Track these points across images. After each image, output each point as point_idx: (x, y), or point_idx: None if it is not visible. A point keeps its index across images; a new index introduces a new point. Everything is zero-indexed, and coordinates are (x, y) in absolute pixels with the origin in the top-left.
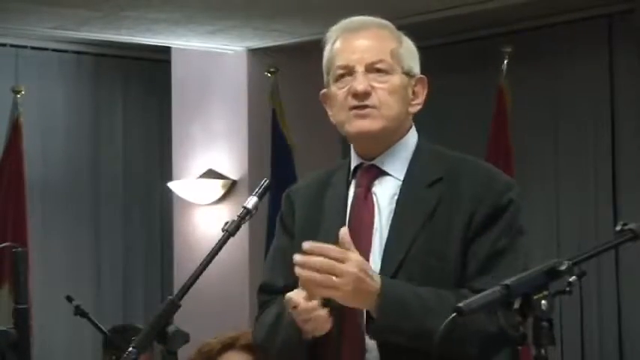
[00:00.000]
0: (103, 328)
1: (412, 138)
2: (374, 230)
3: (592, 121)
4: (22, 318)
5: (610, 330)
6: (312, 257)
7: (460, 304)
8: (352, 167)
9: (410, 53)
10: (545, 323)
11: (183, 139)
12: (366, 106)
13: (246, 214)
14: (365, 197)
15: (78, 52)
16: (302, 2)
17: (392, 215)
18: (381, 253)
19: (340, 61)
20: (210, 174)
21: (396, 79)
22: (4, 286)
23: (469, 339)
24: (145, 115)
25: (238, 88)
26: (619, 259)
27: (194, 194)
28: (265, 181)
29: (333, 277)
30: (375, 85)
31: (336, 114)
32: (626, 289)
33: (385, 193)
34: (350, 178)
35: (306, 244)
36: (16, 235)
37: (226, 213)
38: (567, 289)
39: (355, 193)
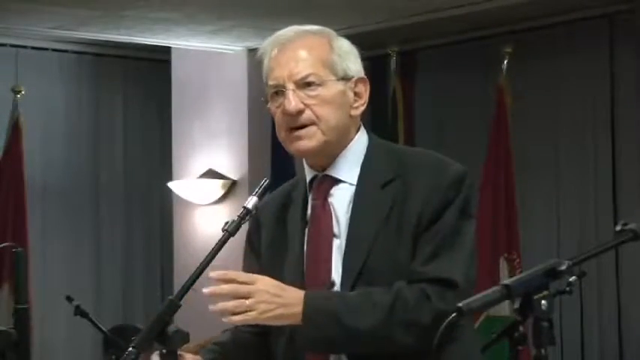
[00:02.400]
0: (103, 328)
1: (361, 139)
2: (334, 240)
3: (592, 121)
4: (22, 318)
5: (610, 330)
6: (220, 286)
7: (460, 304)
8: (307, 180)
9: (344, 56)
10: (545, 323)
11: (183, 139)
12: (301, 126)
13: (247, 214)
14: (323, 208)
15: (78, 52)
16: (302, 2)
17: (347, 223)
18: (341, 262)
19: (271, 80)
20: (210, 174)
21: (329, 89)
22: (4, 286)
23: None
24: (145, 115)
25: (238, 88)
26: (619, 259)
27: (194, 194)
28: (265, 181)
29: (245, 301)
30: (307, 101)
31: (278, 133)
32: (626, 289)
33: (342, 201)
34: (307, 192)
35: (213, 274)
36: (16, 235)
37: (226, 213)
38: (567, 289)
39: (313, 206)
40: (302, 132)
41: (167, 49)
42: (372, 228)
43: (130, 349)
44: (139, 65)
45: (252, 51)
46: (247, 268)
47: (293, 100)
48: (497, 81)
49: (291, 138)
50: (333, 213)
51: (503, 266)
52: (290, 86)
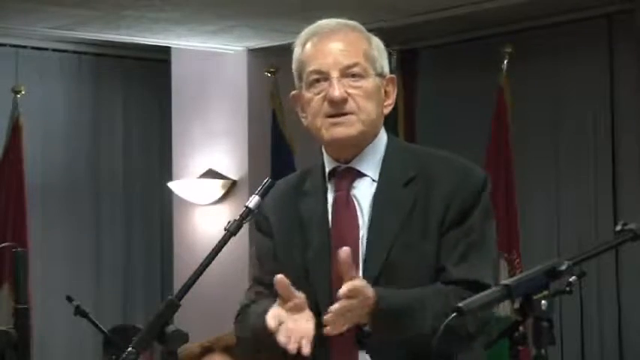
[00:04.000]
0: (103, 328)
1: (383, 136)
2: (360, 233)
3: (592, 121)
4: (22, 318)
5: (610, 330)
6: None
7: (460, 304)
8: (327, 172)
9: (380, 53)
10: (545, 323)
11: (183, 139)
12: (343, 114)
13: (248, 214)
14: (347, 201)
15: (78, 52)
16: (302, 2)
17: (370, 217)
18: (363, 255)
19: (313, 66)
20: (210, 174)
21: (371, 82)
22: (4, 286)
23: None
24: (145, 115)
25: (238, 88)
26: (619, 259)
27: (194, 194)
28: (268, 180)
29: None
30: (351, 91)
31: (311, 120)
32: (626, 289)
33: (365, 194)
34: (326, 183)
35: (340, 292)
36: (16, 235)
37: (226, 213)
38: (567, 289)
39: (335, 197)
40: (343, 119)
41: (167, 49)
42: (394, 224)
43: (130, 349)
44: (139, 65)
45: (252, 51)
46: (268, 254)
47: (338, 89)
48: (497, 81)
49: (328, 125)
50: (357, 206)
51: (504, 266)
52: (335, 74)
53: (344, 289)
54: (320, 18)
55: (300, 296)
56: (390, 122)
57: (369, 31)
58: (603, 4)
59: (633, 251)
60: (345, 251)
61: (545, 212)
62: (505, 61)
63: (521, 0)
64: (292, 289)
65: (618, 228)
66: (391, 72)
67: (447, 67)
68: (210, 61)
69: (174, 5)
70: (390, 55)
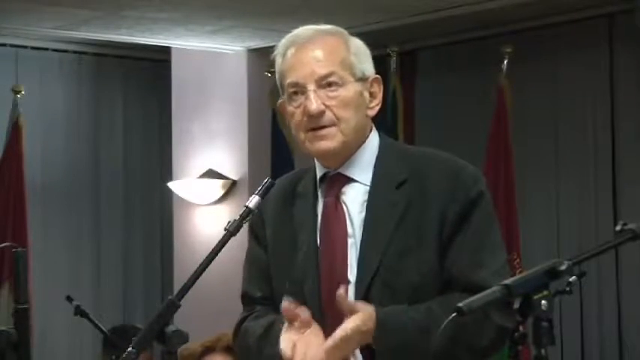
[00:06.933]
0: (103, 328)
1: (374, 139)
2: (349, 239)
3: (592, 121)
4: (22, 318)
5: (610, 330)
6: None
7: (460, 304)
8: (318, 177)
9: (360, 56)
10: (545, 323)
11: (183, 139)
12: (322, 127)
13: (248, 214)
14: (335, 207)
15: (78, 52)
16: (302, 2)
17: (363, 222)
18: (356, 261)
19: (291, 78)
20: (210, 174)
21: (349, 90)
22: (4, 286)
23: (460, 353)
24: (145, 115)
25: (238, 88)
26: (619, 259)
27: (194, 194)
28: (267, 180)
29: None
30: (328, 102)
31: (295, 132)
32: (626, 289)
33: (354, 200)
34: (317, 188)
35: (326, 344)
36: (16, 235)
37: (226, 213)
38: (567, 289)
39: (325, 203)
40: (323, 132)
41: (167, 49)
42: (387, 228)
43: (130, 349)
44: (139, 65)
45: (252, 51)
46: (254, 258)
47: (315, 101)
48: (497, 81)
49: (311, 138)
50: (346, 212)
51: None
52: (311, 86)
53: (330, 342)
54: (320, 18)
55: (305, 313)
56: (390, 123)
57: (369, 32)
58: (603, 4)
59: (633, 251)
60: (339, 294)
61: (545, 212)
62: (505, 61)
63: (521, 0)
64: (297, 309)
65: (618, 228)
66: (390, 73)
67: (447, 67)
68: (210, 61)
69: (174, 5)
70: (389, 55)
